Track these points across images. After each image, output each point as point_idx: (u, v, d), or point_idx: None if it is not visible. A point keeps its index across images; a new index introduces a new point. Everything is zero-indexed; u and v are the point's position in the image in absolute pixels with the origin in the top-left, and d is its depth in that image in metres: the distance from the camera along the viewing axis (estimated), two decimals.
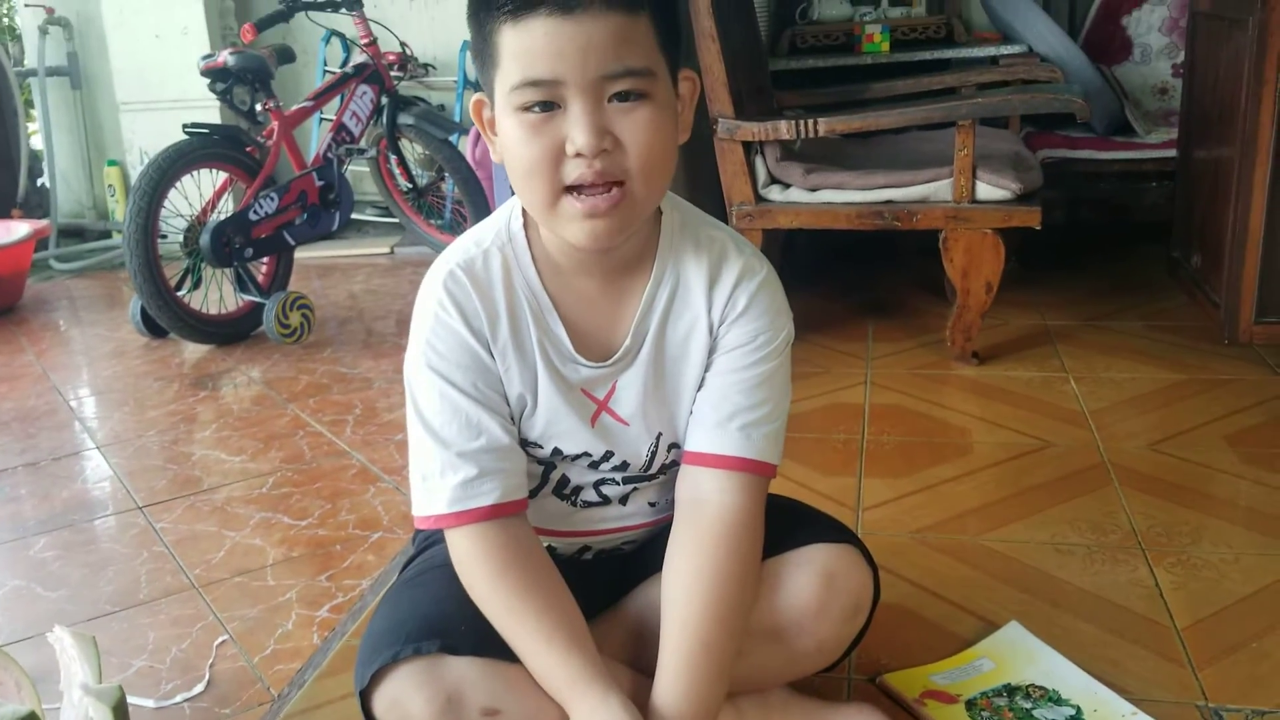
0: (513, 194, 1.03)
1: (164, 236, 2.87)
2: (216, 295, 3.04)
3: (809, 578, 1.09)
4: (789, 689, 1.17)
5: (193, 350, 2.98)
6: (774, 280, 1.10)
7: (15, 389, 2.71)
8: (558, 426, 1.08)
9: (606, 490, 1.14)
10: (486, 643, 1.01)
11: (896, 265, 3.40)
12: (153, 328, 3.04)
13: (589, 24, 0.89)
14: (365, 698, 1.01)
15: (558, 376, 1.06)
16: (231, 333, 3.03)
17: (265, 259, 3.11)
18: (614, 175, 0.93)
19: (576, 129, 0.91)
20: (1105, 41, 3.61)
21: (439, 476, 1.02)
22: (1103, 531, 1.66)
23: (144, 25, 4.21)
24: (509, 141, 0.95)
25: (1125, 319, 2.73)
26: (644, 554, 1.18)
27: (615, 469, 1.12)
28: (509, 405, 1.06)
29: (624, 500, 1.16)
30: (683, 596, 1.03)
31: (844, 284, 3.18)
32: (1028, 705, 1.24)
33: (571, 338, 1.06)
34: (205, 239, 2.84)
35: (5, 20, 5.38)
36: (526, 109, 0.92)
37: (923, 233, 2.44)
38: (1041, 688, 1.27)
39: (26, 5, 4.45)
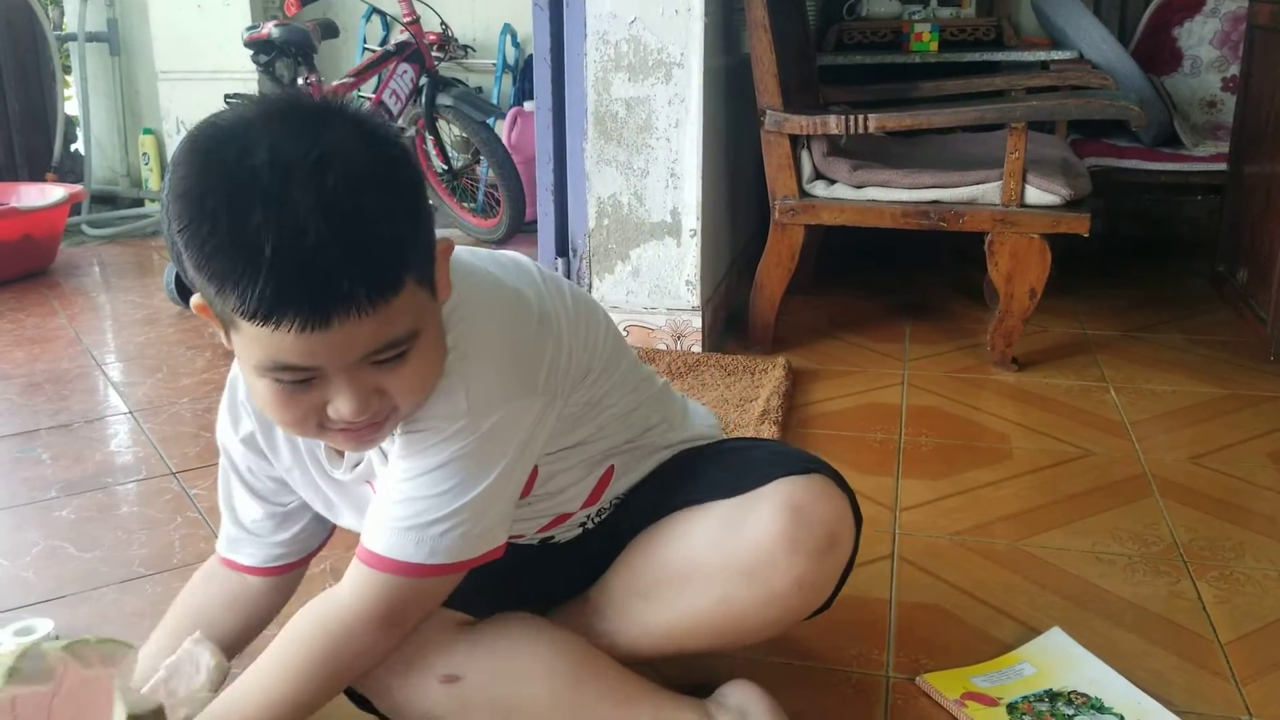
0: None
1: None
2: None
3: (774, 511, 1.04)
4: (774, 704, 1.12)
5: None
6: (464, 378, 0.93)
7: (48, 351, 2.71)
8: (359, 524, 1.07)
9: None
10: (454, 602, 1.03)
11: (934, 268, 3.38)
12: (186, 296, 3.04)
13: (344, 329, 0.78)
14: None
15: (335, 483, 1.07)
16: None
17: None
18: (380, 418, 0.88)
19: (342, 402, 0.84)
20: (1155, 52, 3.57)
21: (222, 524, 1.17)
22: (1144, 542, 1.64)
23: None
24: (257, 393, 0.87)
25: (1166, 331, 2.71)
26: (604, 535, 1.18)
27: None
28: (294, 494, 1.12)
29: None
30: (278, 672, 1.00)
31: (881, 285, 3.16)
32: (1070, 711, 1.22)
33: (330, 446, 1.04)
34: None
35: None
36: (277, 380, 0.83)
37: (961, 236, 2.42)
38: (1084, 694, 1.25)
39: None
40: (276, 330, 0.77)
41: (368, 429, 0.88)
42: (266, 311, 0.76)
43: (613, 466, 1.15)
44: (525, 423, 0.96)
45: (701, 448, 1.21)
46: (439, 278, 0.87)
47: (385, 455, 0.99)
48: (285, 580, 1.20)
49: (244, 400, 1.07)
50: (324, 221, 0.75)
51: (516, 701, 1.04)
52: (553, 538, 1.20)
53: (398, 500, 0.94)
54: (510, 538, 1.02)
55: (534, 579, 1.18)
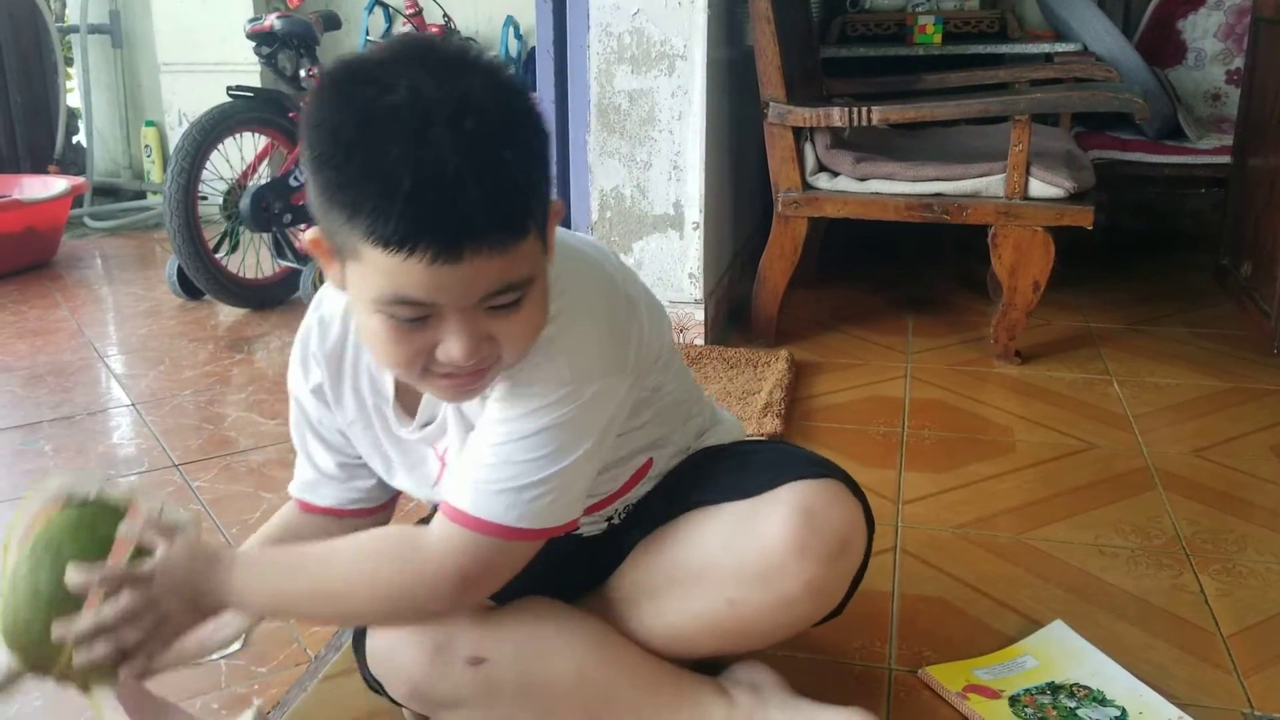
0: None
1: (204, 199, 2.87)
2: (254, 259, 3.04)
3: (785, 515, 1.03)
4: (784, 684, 1.13)
5: (228, 313, 2.98)
6: (567, 346, 0.95)
7: (50, 343, 2.71)
8: (417, 489, 1.10)
9: None
10: None
11: (938, 261, 3.37)
12: (188, 289, 3.05)
13: (473, 264, 0.80)
14: (360, 654, 1.06)
15: (399, 441, 1.07)
16: (267, 297, 3.03)
17: (303, 225, 3.10)
18: (485, 364, 0.89)
19: (453, 344, 0.84)
20: (1159, 44, 3.56)
21: (297, 466, 1.15)
22: (1147, 535, 1.64)
23: None
24: (369, 332, 0.87)
25: (1169, 324, 2.70)
26: (623, 530, 1.18)
27: None
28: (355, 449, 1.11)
29: None
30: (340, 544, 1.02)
31: (884, 278, 3.15)
32: (1072, 704, 1.22)
33: (404, 402, 1.05)
34: (245, 203, 2.84)
35: None
36: (392, 315, 0.84)
37: (964, 229, 2.42)
38: (1086, 687, 1.25)
39: None
40: (408, 259, 0.78)
41: (470, 377, 0.89)
42: (402, 239, 0.77)
43: (650, 460, 1.15)
44: (616, 398, 0.98)
45: (713, 448, 1.20)
46: (549, 235, 0.89)
47: (464, 417, 1.00)
48: (362, 524, 1.13)
49: (315, 352, 1.06)
50: (462, 160, 0.77)
51: (543, 680, 1.05)
52: (579, 530, 1.19)
53: (492, 463, 0.94)
54: None
55: (551, 573, 1.17)
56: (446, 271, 0.79)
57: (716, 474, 1.13)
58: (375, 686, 1.09)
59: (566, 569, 1.17)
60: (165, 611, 0.96)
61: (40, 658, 0.96)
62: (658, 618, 1.10)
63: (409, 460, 1.07)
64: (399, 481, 1.11)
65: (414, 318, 0.83)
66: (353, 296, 0.87)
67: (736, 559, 1.05)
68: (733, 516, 1.07)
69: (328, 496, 1.13)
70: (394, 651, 1.02)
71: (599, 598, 1.15)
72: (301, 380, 1.09)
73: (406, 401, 1.04)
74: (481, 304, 0.84)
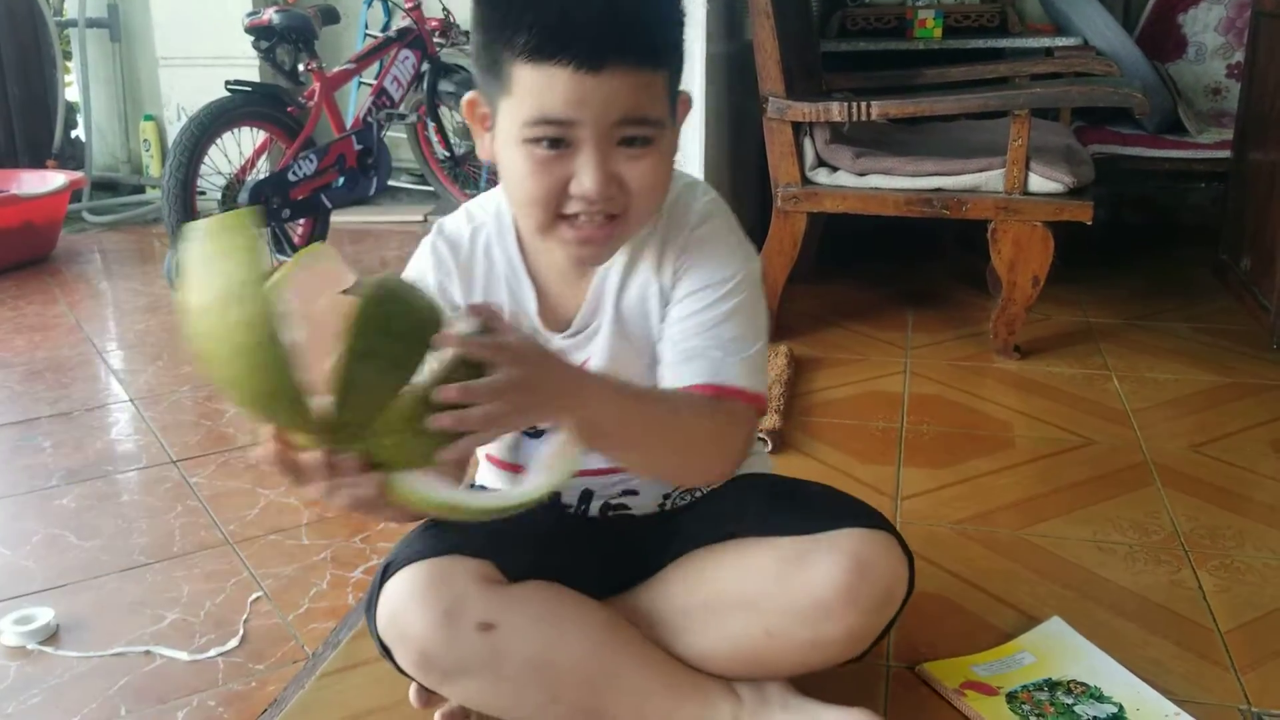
0: None
1: (202, 193, 2.87)
2: None
3: (840, 562, 1.06)
4: (789, 685, 1.14)
5: None
6: (724, 223, 1.09)
7: (48, 339, 2.71)
8: None
9: None
10: (490, 548, 1.05)
11: (936, 257, 3.37)
12: None
13: (613, 79, 0.89)
14: (371, 618, 1.06)
15: None
16: None
17: (302, 220, 3.10)
18: (612, 212, 0.95)
19: (586, 174, 0.92)
20: (1160, 38, 3.55)
21: None
22: (1145, 531, 1.64)
23: None
24: (512, 169, 0.96)
25: (1169, 319, 2.70)
26: (657, 538, 1.17)
27: None
28: None
29: None
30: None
31: (883, 273, 3.15)
32: (1069, 701, 1.22)
33: (543, 312, 1.08)
34: (243, 197, 2.84)
35: None
36: (535, 142, 0.92)
37: (964, 224, 2.41)
38: (1083, 684, 1.25)
39: None
40: (555, 69, 0.87)
41: (597, 230, 0.95)
42: (550, 47, 0.87)
43: None
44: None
45: (755, 477, 1.20)
46: (678, 119, 0.98)
47: (623, 323, 1.06)
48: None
49: (446, 257, 1.08)
50: None
51: (553, 655, 1.04)
52: (628, 508, 1.19)
53: (706, 345, 1.02)
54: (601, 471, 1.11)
55: (583, 556, 1.15)
56: (588, 82, 0.88)
57: (765, 505, 1.14)
58: (387, 653, 1.08)
59: (599, 554, 1.15)
60: (527, 399, 0.86)
61: (352, 425, 0.83)
62: (691, 637, 1.11)
63: None
64: None
65: (554, 138, 0.91)
66: (501, 140, 0.95)
67: (784, 594, 1.06)
68: (783, 552, 1.08)
69: None
70: (404, 615, 1.02)
71: (629, 609, 1.14)
72: (429, 280, 1.08)
73: (549, 316, 1.08)
74: (615, 130, 0.91)
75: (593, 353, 1.07)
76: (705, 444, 1.02)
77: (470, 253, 1.08)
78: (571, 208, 0.94)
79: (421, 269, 1.09)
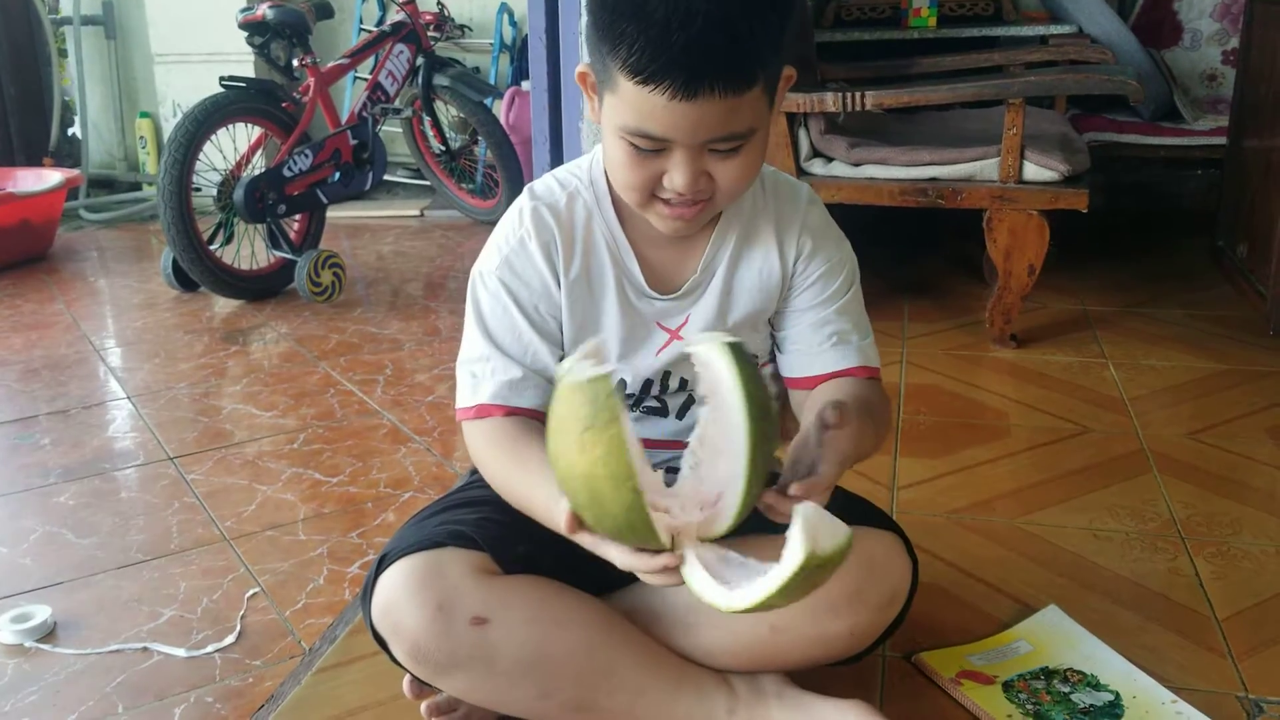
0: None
1: (198, 190, 2.87)
2: (248, 251, 3.04)
3: (850, 559, 1.06)
4: (785, 676, 1.14)
5: (223, 305, 2.98)
6: (824, 211, 1.20)
7: (46, 337, 2.71)
8: (623, 359, 1.13)
9: (668, 399, 1.17)
10: (485, 540, 1.07)
11: (933, 246, 3.37)
12: (183, 281, 3.05)
13: (706, 106, 0.92)
14: (367, 610, 1.06)
15: (631, 310, 1.12)
16: (262, 289, 3.03)
17: (298, 216, 3.10)
18: (703, 198, 1.01)
19: (677, 174, 0.97)
20: (1155, 25, 3.54)
21: (490, 375, 1.10)
22: (1141, 519, 1.64)
23: None
24: (613, 153, 1.01)
25: (1166, 307, 2.70)
26: None
27: (676, 390, 1.16)
28: (562, 335, 1.12)
29: (680, 413, 1.17)
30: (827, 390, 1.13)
31: (879, 263, 3.14)
32: (1065, 689, 1.22)
33: (645, 274, 1.12)
34: (239, 194, 2.84)
35: None
36: (632, 144, 0.97)
37: (960, 214, 2.41)
38: (1080, 672, 1.25)
39: None
40: (651, 93, 0.91)
41: (686, 209, 1.01)
42: (649, 72, 0.90)
43: None
44: None
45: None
46: (778, 99, 1.01)
47: (729, 287, 1.13)
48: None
49: (548, 218, 1.10)
50: (714, 9, 0.89)
51: (547, 650, 1.04)
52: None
53: (845, 329, 1.15)
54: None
55: (581, 550, 1.14)
56: (681, 109, 0.91)
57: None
58: (383, 645, 1.07)
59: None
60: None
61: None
62: (696, 631, 1.11)
63: (630, 332, 1.12)
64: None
65: (650, 148, 0.96)
66: (605, 124, 1.00)
67: None
68: None
69: (533, 398, 1.09)
70: (398, 608, 1.02)
71: (630, 603, 1.14)
72: (532, 239, 1.09)
73: (653, 279, 1.12)
74: (705, 145, 0.96)
75: (692, 314, 1.13)
76: (886, 429, 1.13)
77: (569, 217, 1.11)
78: (665, 194, 1.00)
79: (522, 234, 1.10)
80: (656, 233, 1.09)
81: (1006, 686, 1.23)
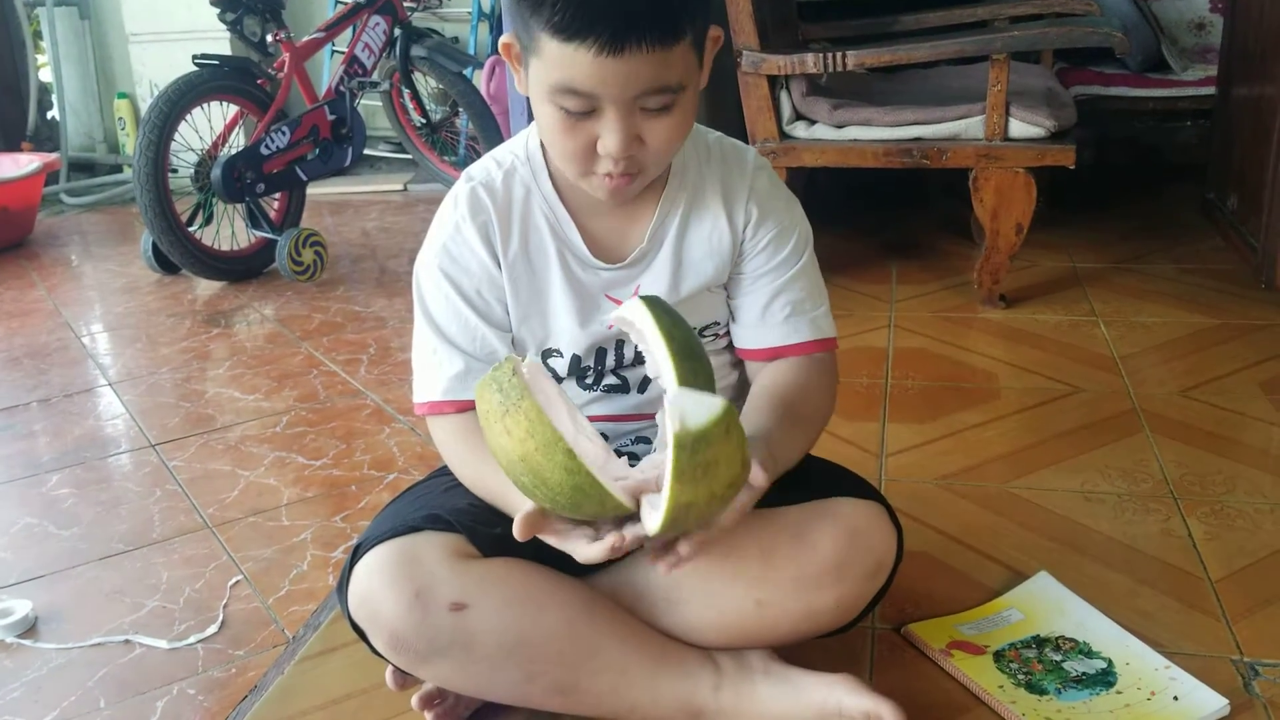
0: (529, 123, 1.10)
1: (174, 171, 2.83)
2: (228, 231, 3.00)
3: (833, 530, 1.06)
4: (771, 652, 1.12)
5: (205, 287, 2.94)
6: (772, 175, 1.18)
7: (26, 324, 2.68)
8: (571, 334, 1.12)
9: (627, 374, 1.16)
10: (462, 522, 1.06)
11: (921, 206, 3.33)
12: (164, 264, 3.01)
13: (634, 59, 0.91)
14: (343, 601, 1.05)
15: (576, 282, 1.11)
16: (244, 269, 3.00)
17: (277, 194, 3.06)
18: (636, 168, 1.01)
19: (609, 136, 0.96)
20: None
21: (438, 367, 1.10)
22: (1134, 479, 1.62)
23: None
24: (544, 121, 1.00)
25: (1156, 262, 2.67)
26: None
27: (633, 364, 1.15)
28: (509, 317, 1.12)
29: (642, 387, 1.17)
30: (764, 390, 1.13)
31: (867, 224, 3.11)
32: (1057, 657, 1.21)
33: (589, 245, 1.11)
34: (217, 173, 2.80)
35: None
36: (561, 107, 0.96)
37: (948, 172, 2.38)
38: (1072, 639, 1.24)
39: None
40: (577, 50, 0.90)
41: (623, 179, 1.01)
42: (574, 29, 0.90)
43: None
44: None
45: None
46: (705, 59, 1.02)
47: (679, 255, 1.12)
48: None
49: (484, 198, 1.10)
50: None
51: (527, 632, 1.03)
52: (636, 458, 1.15)
53: (799, 298, 1.14)
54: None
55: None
56: (609, 64, 0.91)
57: None
58: (361, 635, 1.06)
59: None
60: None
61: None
62: (681, 608, 1.09)
63: (579, 304, 1.12)
64: (557, 324, 1.12)
65: (579, 110, 0.95)
66: (534, 92, 0.99)
67: (775, 564, 1.06)
68: (774, 522, 1.07)
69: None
70: (374, 597, 1.01)
71: (614, 582, 1.12)
72: (467, 223, 1.09)
73: (597, 249, 1.12)
74: (636, 101, 0.95)
75: (643, 284, 1.12)
76: (827, 412, 1.16)
77: (506, 195, 1.11)
78: (601, 164, 1.00)
79: (457, 219, 1.10)
80: (599, 202, 1.08)
81: (998, 656, 1.21)
